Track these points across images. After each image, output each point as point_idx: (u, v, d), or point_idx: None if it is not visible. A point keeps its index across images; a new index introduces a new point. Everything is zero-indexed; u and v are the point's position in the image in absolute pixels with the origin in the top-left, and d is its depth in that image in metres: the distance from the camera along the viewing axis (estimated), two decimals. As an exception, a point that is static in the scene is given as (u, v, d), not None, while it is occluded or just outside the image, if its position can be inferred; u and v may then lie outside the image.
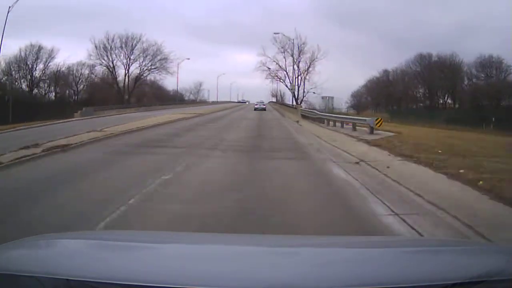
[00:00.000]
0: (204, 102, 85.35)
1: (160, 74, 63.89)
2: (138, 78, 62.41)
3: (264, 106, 54.28)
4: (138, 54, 60.87)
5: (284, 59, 58.94)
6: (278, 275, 1.38)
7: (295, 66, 56.74)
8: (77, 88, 58.71)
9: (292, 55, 56.93)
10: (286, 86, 60.35)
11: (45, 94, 55.40)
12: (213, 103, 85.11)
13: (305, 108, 47.37)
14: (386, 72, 71.48)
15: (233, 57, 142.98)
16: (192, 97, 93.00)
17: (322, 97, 67.03)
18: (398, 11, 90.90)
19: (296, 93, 56.53)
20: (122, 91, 60.45)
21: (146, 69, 62.24)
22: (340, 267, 1.55)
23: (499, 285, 1.29)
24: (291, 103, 55.97)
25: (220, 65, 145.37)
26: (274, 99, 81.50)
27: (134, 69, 61.70)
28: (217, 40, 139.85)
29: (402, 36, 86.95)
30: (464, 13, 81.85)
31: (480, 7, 79.11)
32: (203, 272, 1.39)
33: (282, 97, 78.08)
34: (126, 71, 61.06)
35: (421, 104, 67.73)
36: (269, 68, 59.43)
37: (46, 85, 54.87)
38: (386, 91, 69.06)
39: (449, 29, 77.23)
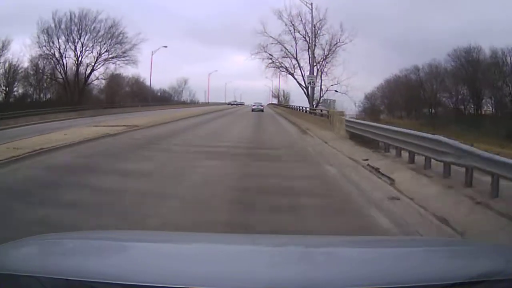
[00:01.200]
0: (193, 104, 74.82)
1: (117, 64, 46.64)
2: (91, 70, 45.13)
3: (262, 107, 49.81)
4: (91, 38, 43.94)
5: (293, 40, 39.77)
6: (278, 275, 1.39)
7: (310, 51, 36.34)
8: (40, 87, 45.36)
9: (305, 37, 37.85)
10: (296, 80, 41.19)
11: (5, 94, 41.92)
12: (203, 104, 76.97)
13: (356, 117, 24.88)
14: (415, 69, 55.58)
15: (232, 59, 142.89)
16: (177, 97, 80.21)
17: (324, 100, 50.47)
18: (400, 16, 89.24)
19: (309, 91, 36.75)
20: (71, 88, 43.40)
21: (101, 59, 44.91)
22: (340, 267, 1.56)
23: (499, 285, 1.29)
24: (298, 105, 38.74)
25: (218, 68, 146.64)
26: (275, 101, 70.14)
27: (84, 59, 44.74)
28: (215, 42, 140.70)
29: (404, 40, 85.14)
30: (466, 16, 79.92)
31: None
32: (202, 272, 1.39)
33: (286, 98, 65.19)
34: (75, 62, 43.88)
35: (449, 108, 52.27)
36: (271, 55, 40.59)
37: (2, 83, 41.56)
38: (409, 92, 54.85)
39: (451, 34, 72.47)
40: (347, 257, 1.74)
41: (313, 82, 33.24)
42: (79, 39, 43.30)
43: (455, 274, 1.33)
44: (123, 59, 45.58)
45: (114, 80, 53.31)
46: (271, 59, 41.60)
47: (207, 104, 78.35)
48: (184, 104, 69.23)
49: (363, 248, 1.95)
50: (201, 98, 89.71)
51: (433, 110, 53.11)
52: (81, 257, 1.57)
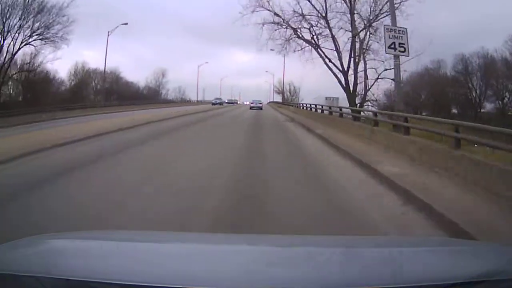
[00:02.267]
0: (183, 102, 62.76)
1: (37, 46, 32.15)
2: (11, 57, 30.88)
3: (261, 105, 45.29)
4: (17, 13, 29.87)
5: None
6: (277, 276, 1.39)
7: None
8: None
9: None
10: (324, 60, 23.18)
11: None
12: (195, 103, 65.31)
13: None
14: (460, 60, 41.89)
15: (231, 57, 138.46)
16: (164, 94, 67.91)
17: (326, 98, 38.96)
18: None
19: (345, 80, 22.76)
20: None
21: (25, 41, 30.77)
22: (340, 267, 1.56)
23: (499, 285, 1.29)
24: (308, 102, 25.90)
25: (217, 66, 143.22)
26: (278, 98, 56.78)
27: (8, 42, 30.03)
28: (214, 40, 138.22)
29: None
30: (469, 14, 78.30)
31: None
32: (202, 272, 1.40)
33: (293, 94, 52.37)
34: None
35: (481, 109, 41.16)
36: (278, 16, 23.10)
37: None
38: (442, 87, 42.38)
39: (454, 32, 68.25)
40: (347, 257, 1.75)
41: (402, 45, 12.99)
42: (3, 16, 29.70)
43: (455, 274, 1.34)
44: (49, 39, 31.74)
45: (87, 75, 46.18)
46: (278, 23, 23.23)
47: (200, 102, 65.86)
48: (169, 103, 55.41)
49: (363, 248, 1.95)
50: (198, 97, 79.54)
51: (457, 110, 43.38)
52: (81, 257, 1.58)
